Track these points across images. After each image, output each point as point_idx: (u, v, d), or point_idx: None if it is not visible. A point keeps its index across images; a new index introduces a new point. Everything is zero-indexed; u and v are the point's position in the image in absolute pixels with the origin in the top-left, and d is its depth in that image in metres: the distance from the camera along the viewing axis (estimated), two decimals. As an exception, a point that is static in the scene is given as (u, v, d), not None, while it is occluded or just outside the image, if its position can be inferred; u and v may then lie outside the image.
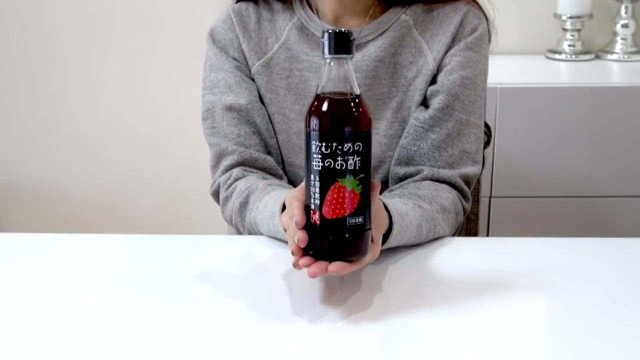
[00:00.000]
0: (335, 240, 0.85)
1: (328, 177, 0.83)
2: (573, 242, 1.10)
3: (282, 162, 1.25)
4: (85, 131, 2.32)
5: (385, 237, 0.98)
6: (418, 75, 1.20)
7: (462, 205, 1.19)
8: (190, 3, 2.17)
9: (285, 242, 1.05)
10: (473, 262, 1.03)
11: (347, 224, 0.84)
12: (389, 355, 0.81)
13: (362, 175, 0.84)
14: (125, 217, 2.37)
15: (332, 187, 0.83)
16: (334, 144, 0.82)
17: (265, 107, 1.24)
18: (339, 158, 0.82)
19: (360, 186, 0.84)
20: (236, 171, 1.20)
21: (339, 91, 0.84)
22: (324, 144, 0.82)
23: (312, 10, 1.24)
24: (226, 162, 1.21)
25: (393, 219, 0.99)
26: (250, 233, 1.15)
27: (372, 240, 0.89)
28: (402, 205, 1.06)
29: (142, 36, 2.23)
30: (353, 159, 0.83)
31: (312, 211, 0.85)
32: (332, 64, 0.85)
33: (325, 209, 0.84)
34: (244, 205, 1.15)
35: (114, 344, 0.83)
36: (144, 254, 1.06)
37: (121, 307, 0.91)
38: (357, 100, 0.84)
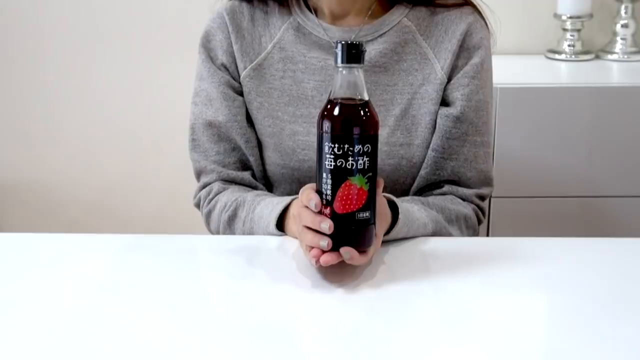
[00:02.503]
0: (345, 233, 0.92)
1: (339, 176, 0.91)
2: (573, 242, 1.10)
3: (263, 173, 1.25)
4: (85, 131, 2.32)
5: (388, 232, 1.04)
6: (425, 83, 1.19)
7: (479, 218, 1.23)
8: (189, 3, 2.17)
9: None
10: (473, 262, 1.03)
11: (356, 218, 0.92)
12: (389, 355, 0.81)
13: (370, 174, 0.91)
14: (124, 217, 2.37)
15: (342, 185, 0.91)
16: (346, 146, 0.90)
17: (253, 111, 1.23)
18: (350, 158, 0.90)
19: (368, 184, 0.91)
20: (216, 186, 1.22)
21: (350, 97, 0.91)
22: (336, 145, 0.90)
23: (310, 10, 1.23)
24: (205, 179, 1.23)
25: (399, 209, 1.04)
26: None
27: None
28: (408, 205, 1.09)
29: (141, 36, 2.23)
30: (362, 160, 0.90)
31: (322, 207, 0.93)
32: (344, 72, 0.91)
33: (336, 204, 0.91)
34: (232, 218, 1.16)
35: (114, 343, 0.83)
36: (143, 254, 1.06)
37: (121, 307, 0.91)
38: (366, 106, 0.92)
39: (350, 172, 0.90)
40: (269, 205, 1.10)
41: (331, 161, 0.90)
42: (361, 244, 0.94)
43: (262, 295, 0.94)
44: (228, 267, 1.02)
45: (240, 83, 1.23)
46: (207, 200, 1.21)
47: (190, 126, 1.25)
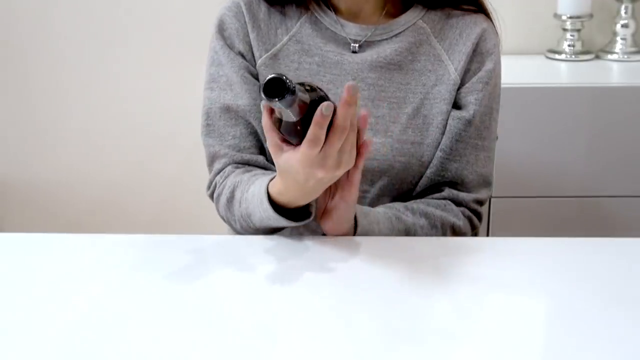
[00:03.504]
0: None
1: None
2: (573, 242, 1.10)
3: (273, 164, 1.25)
4: (86, 131, 2.32)
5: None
6: (438, 84, 1.21)
7: (474, 224, 1.23)
8: (194, 5, 2.17)
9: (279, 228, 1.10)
10: (473, 262, 1.03)
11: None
12: (389, 355, 0.81)
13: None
14: (126, 217, 2.37)
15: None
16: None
17: None
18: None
19: None
20: (229, 169, 1.21)
21: (308, 94, 0.91)
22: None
23: (328, 7, 1.24)
24: (218, 165, 1.23)
25: (357, 226, 1.09)
26: (242, 226, 1.15)
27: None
28: (374, 217, 1.13)
29: (144, 36, 2.23)
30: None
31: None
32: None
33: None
34: (230, 200, 1.16)
35: (114, 343, 0.83)
36: (144, 254, 1.06)
37: (121, 307, 0.91)
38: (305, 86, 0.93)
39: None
40: (258, 184, 1.10)
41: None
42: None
43: (264, 296, 0.94)
44: (230, 266, 1.02)
45: (257, 70, 1.24)
46: (220, 185, 1.21)
47: (204, 112, 1.24)
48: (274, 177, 1.06)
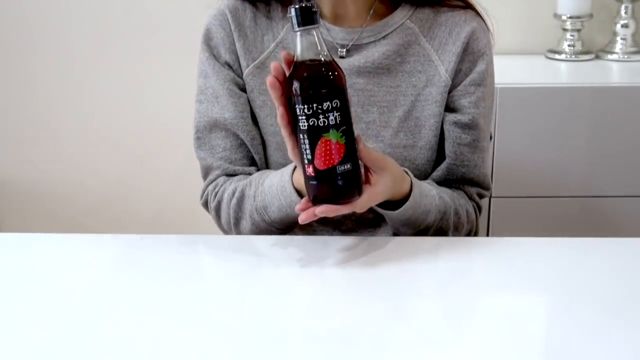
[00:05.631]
0: (330, 187, 0.95)
1: (314, 134, 0.93)
2: (573, 242, 1.10)
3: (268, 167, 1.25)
4: (85, 131, 2.32)
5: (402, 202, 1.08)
6: (429, 85, 1.20)
7: (476, 215, 1.24)
8: (188, 6, 2.17)
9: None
10: (473, 262, 1.03)
11: (338, 171, 0.95)
12: (388, 356, 0.81)
13: (344, 128, 0.94)
14: (124, 217, 2.37)
15: (319, 142, 0.93)
16: (315, 105, 0.92)
17: (257, 110, 1.23)
18: (321, 116, 0.93)
19: (344, 137, 0.94)
20: (222, 180, 1.22)
21: (314, 58, 0.94)
22: (306, 106, 0.92)
23: None
24: (212, 176, 1.23)
25: (412, 179, 1.08)
26: (254, 223, 1.15)
27: (368, 183, 0.99)
28: (421, 182, 1.13)
29: (140, 37, 2.23)
30: (333, 115, 0.93)
31: (306, 166, 0.96)
32: (303, 35, 0.93)
33: (316, 161, 0.94)
34: (241, 199, 1.16)
35: (113, 343, 0.83)
36: (143, 254, 1.07)
37: (120, 307, 0.91)
38: (330, 64, 0.94)
39: (324, 129, 0.93)
40: (277, 174, 1.11)
41: (304, 122, 0.93)
42: (349, 196, 0.97)
43: (262, 296, 0.94)
44: (228, 266, 1.02)
45: (243, 80, 1.23)
46: (214, 194, 1.21)
47: (195, 124, 1.24)
48: (295, 168, 1.07)
